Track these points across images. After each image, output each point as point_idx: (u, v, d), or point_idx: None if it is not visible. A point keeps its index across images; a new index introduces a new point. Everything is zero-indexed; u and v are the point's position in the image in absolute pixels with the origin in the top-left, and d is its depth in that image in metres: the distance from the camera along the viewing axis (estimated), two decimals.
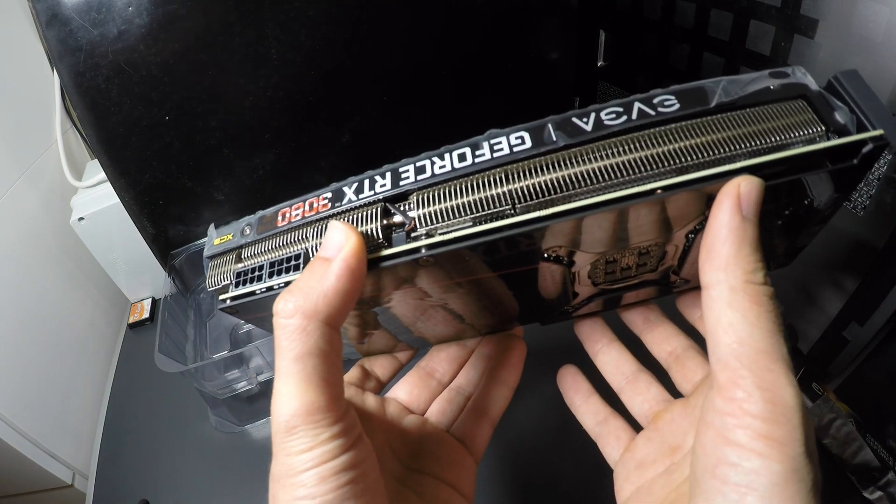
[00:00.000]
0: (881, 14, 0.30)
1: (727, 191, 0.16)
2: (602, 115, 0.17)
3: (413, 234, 0.18)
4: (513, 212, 0.17)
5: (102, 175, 0.51)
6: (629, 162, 0.16)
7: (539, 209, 0.17)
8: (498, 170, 0.18)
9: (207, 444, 0.49)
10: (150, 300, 0.63)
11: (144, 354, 0.51)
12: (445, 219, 0.17)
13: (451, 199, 0.17)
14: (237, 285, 0.20)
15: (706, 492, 0.15)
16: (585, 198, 0.16)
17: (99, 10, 0.39)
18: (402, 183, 0.18)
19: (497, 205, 0.17)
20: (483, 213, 0.17)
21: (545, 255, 0.19)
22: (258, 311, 0.21)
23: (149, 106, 0.42)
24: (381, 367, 0.29)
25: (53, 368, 0.54)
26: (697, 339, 0.25)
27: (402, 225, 0.18)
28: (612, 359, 0.27)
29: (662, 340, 0.27)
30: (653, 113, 0.17)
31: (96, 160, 0.52)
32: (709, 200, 0.17)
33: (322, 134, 0.47)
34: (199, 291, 0.55)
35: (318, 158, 0.49)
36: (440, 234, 0.17)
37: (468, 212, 0.17)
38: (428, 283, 0.20)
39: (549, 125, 0.18)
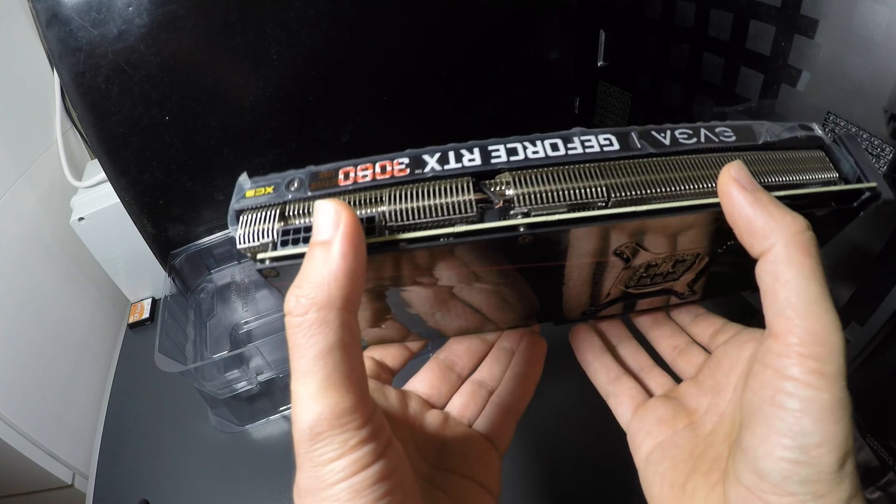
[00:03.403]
0: (881, 14, 0.30)
1: (725, 181, 0.18)
2: (676, 133, 0.20)
3: (511, 212, 0.18)
4: (605, 205, 0.18)
5: (102, 175, 0.51)
6: (703, 176, 0.19)
7: (630, 206, 0.18)
8: (593, 164, 0.19)
9: (207, 444, 0.49)
10: (150, 300, 0.63)
11: (144, 354, 0.51)
12: (545, 202, 0.18)
13: (551, 184, 0.18)
14: (284, 244, 0.18)
15: (765, 418, 0.17)
16: (665, 202, 0.18)
17: (99, 10, 0.39)
18: (492, 161, 0.18)
19: (592, 196, 0.18)
20: (579, 201, 0.18)
21: (616, 250, 0.21)
22: None
23: (149, 106, 0.42)
24: (391, 356, 0.28)
25: (53, 368, 0.54)
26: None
27: (488, 201, 0.18)
28: (630, 352, 0.29)
29: (668, 337, 0.28)
30: (716, 140, 0.20)
31: (96, 160, 0.52)
32: None
33: (322, 134, 0.47)
34: (199, 291, 0.55)
35: (318, 158, 0.48)
36: (536, 216, 0.18)
37: (565, 199, 0.18)
38: (477, 270, 0.20)
39: (633, 133, 0.19)
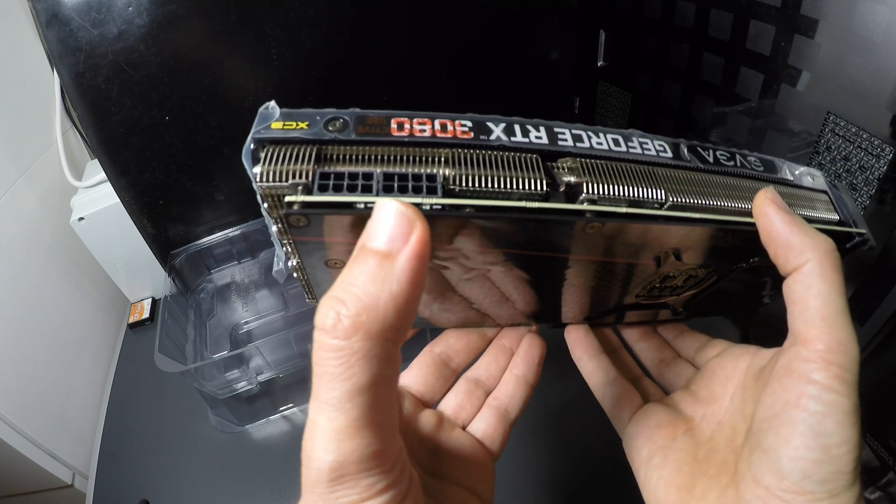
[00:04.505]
0: (881, 14, 0.30)
1: (762, 202, 0.19)
2: (718, 153, 0.21)
3: (581, 198, 0.18)
4: (659, 208, 0.19)
5: (102, 175, 0.51)
6: (741, 196, 0.20)
7: (682, 211, 0.19)
8: (650, 167, 0.19)
9: (207, 444, 0.49)
10: (150, 300, 0.63)
11: (144, 354, 0.51)
12: (610, 194, 0.18)
13: (616, 177, 0.18)
14: (323, 189, 0.15)
15: (789, 420, 0.18)
16: (709, 214, 0.19)
17: (99, 10, 0.39)
18: (559, 142, 0.18)
19: (652, 197, 0.18)
20: (639, 199, 0.18)
21: (656, 255, 0.21)
22: (331, 234, 0.17)
23: (149, 106, 0.43)
24: None
25: (53, 368, 0.54)
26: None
27: (554, 183, 0.17)
28: (622, 361, 0.29)
29: (655, 350, 0.29)
30: (749, 167, 0.21)
31: (96, 160, 0.52)
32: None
33: None
34: (199, 291, 0.55)
35: None
36: (602, 205, 0.18)
37: (628, 195, 0.18)
38: (502, 257, 0.19)
39: (682, 145, 0.20)
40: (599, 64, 0.59)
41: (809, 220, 0.20)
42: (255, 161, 0.16)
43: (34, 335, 0.53)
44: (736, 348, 0.25)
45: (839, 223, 0.22)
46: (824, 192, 0.23)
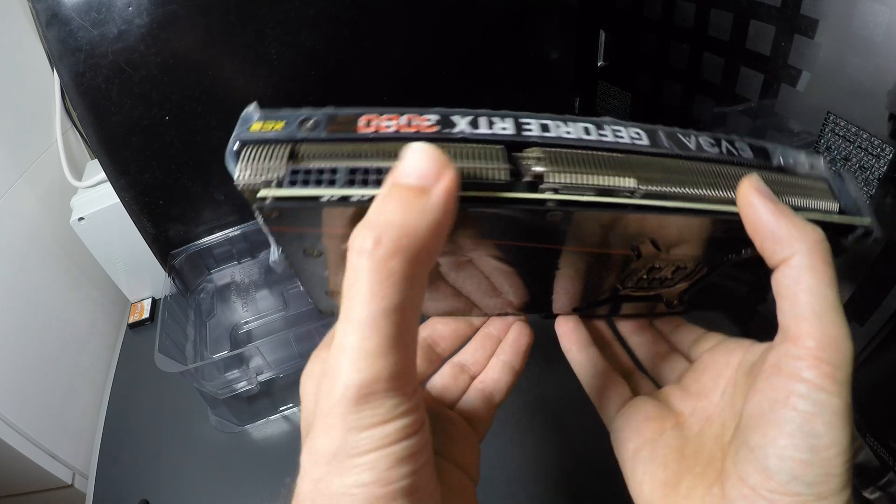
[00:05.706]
0: (881, 14, 0.30)
1: (746, 192, 0.18)
2: (700, 140, 0.20)
3: (541, 187, 0.17)
4: (630, 196, 0.18)
5: (102, 175, 0.51)
6: (724, 185, 0.19)
7: (655, 200, 0.18)
8: (622, 154, 0.19)
9: (207, 444, 0.49)
10: (150, 300, 0.63)
11: (144, 354, 0.51)
12: (576, 183, 0.18)
13: (583, 166, 0.18)
14: (293, 184, 0.17)
15: (776, 419, 0.17)
16: (687, 203, 0.19)
17: (99, 10, 0.39)
18: (524, 133, 0.18)
19: (622, 185, 0.18)
20: (608, 187, 0.18)
21: (632, 245, 0.21)
22: (303, 225, 0.18)
23: (149, 106, 0.43)
24: None
25: (53, 368, 0.54)
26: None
27: (518, 173, 0.18)
28: (614, 353, 0.29)
29: (650, 343, 0.28)
30: (736, 154, 0.21)
31: (96, 160, 0.52)
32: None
33: None
34: (199, 291, 0.55)
35: None
36: (565, 194, 0.17)
37: (596, 183, 0.18)
38: (480, 247, 0.20)
39: (660, 132, 0.20)
40: (599, 64, 0.59)
41: (803, 210, 0.20)
42: (236, 161, 0.17)
43: (34, 335, 0.53)
44: (730, 342, 0.25)
45: (841, 213, 0.21)
46: (824, 179, 0.22)
